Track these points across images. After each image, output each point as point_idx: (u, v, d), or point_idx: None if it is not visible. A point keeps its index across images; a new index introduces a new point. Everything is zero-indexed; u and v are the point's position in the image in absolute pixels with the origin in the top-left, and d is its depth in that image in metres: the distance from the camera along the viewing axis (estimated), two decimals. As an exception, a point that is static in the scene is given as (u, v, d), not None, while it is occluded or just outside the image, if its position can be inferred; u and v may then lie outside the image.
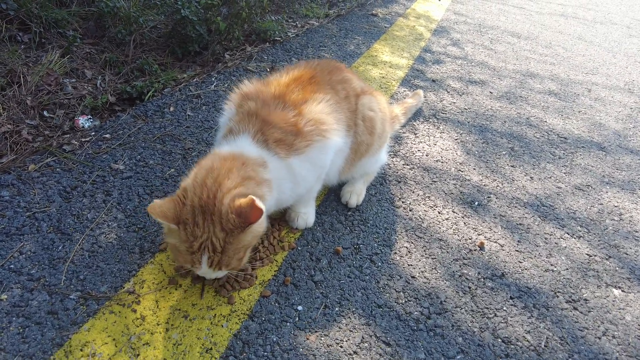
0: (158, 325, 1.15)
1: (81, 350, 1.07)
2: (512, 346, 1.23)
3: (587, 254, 1.59)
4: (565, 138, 2.38)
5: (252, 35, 3.08)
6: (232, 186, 1.09)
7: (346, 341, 1.18)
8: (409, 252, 1.50)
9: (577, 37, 4.46)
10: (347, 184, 1.69)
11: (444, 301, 1.34)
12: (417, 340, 1.21)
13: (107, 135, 1.85)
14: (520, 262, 1.51)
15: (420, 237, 1.56)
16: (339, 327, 1.21)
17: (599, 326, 1.32)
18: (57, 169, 1.63)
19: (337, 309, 1.27)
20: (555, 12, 5.54)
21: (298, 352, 1.14)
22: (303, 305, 1.26)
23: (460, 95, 2.72)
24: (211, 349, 1.11)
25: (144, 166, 1.71)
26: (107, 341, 1.09)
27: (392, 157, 1.99)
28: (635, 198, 1.94)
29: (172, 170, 1.71)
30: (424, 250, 1.51)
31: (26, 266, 1.26)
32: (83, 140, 1.81)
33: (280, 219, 1.54)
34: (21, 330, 1.10)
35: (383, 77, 2.76)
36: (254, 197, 1.03)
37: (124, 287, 1.24)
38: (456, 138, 2.23)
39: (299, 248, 1.45)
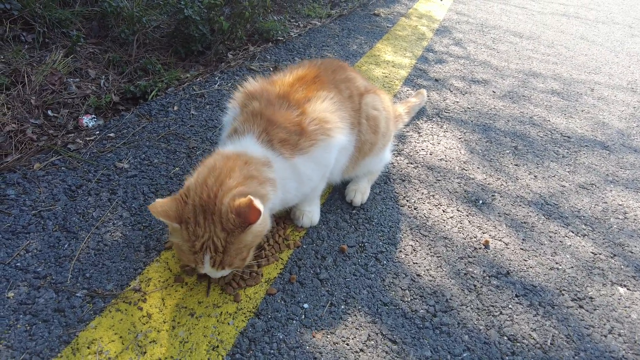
0: (164, 322, 1.15)
1: (88, 347, 1.07)
2: (518, 344, 1.23)
3: (592, 252, 1.59)
4: (568, 137, 2.38)
5: (254, 35, 3.08)
6: (233, 185, 1.09)
7: (352, 339, 1.18)
8: (414, 250, 1.50)
9: (580, 36, 4.46)
10: (351, 182, 1.69)
11: (450, 299, 1.33)
12: (423, 338, 1.21)
13: (112, 134, 1.85)
14: (525, 261, 1.51)
15: (425, 236, 1.56)
16: (345, 325, 1.21)
17: (604, 324, 1.32)
18: (62, 168, 1.63)
19: (342, 306, 1.27)
20: (557, 11, 5.54)
21: (304, 349, 1.14)
22: (309, 303, 1.26)
23: (464, 94, 2.72)
24: (218, 346, 1.11)
25: (148, 165, 1.71)
26: (113, 339, 1.10)
27: (396, 156, 1.99)
28: (639, 197, 1.93)
29: (177, 169, 1.72)
30: (429, 249, 1.51)
31: (32, 264, 1.26)
32: (87, 139, 1.81)
33: (286, 217, 1.54)
34: (28, 327, 1.10)
35: (386, 77, 2.76)
36: (252, 197, 1.02)
37: (130, 285, 1.24)
38: (460, 137, 2.23)
39: (304, 246, 1.45)
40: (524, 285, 1.42)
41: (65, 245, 1.33)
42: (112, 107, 2.11)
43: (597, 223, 1.74)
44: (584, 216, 1.77)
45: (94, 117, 1.97)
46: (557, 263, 1.52)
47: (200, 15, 2.52)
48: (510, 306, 1.34)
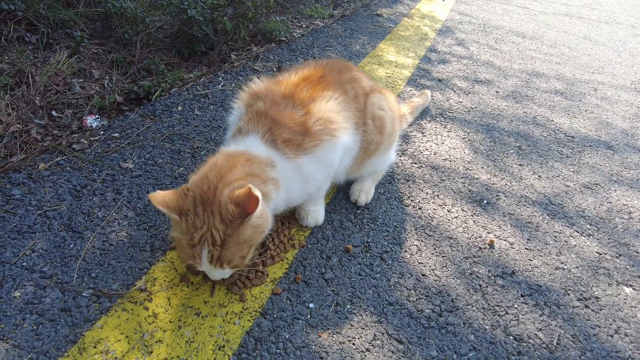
0: (170, 322, 1.15)
1: (94, 347, 1.07)
2: (524, 344, 1.22)
3: (597, 252, 1.58)
4: (572, 137, 2.38)
5: (257, 36, 3.08)
6: (234, 179, 1.09)
7: (358, 339, 1.18)
8: (419, 250, 1.49)
9: (582, 36, 4.45)
10: (356, 182, 1.69)
11: (455, 299, 1.33)
12: (429, 337, 1.21)
13: (116, 135, 1.86)
14: (530, 260, 1.51)
15: (430, 236, 1.56)
16: (351, 325, 1.21)
17: (610, 324, 1.32)
18: (67, 168, 1.63)
19: (348, 306, 1.27)
20: (559, 11, 5.53)
21: (310, 349, 1.13)
22: (314, 302, 1.26)
23: (467, 94, 2.72)
24: (224, 346, 1.11)
25: (153, 165, 1.71)
26: (120, 338, 1.10)
27: (400, 156, 1.99)
28: (644, 196, 1.93)
29: (181, 168, 1.72)
30: (434, 249, 1.51)
31: (38, 264, 1.26)
32: (92, 139, 1.81)
33: (290, 217, 1.54)
34: (35, 327, 1.10)
35: (389, 77, 2.76)
36: (250, 185, 1.02)
37: (135, 285, 1.24)
38: (463, 137, 2.23)
39: (309, 246, 1.45)
40: (529, 285, 1.41)
41: (71, 245, 1.33)
42: (116, 108, 2.12)
43: (602, 223, 1.74)
44: (588, 216, 1.77)
45: (98, 118, 1.97)
46: (562, 263, 1.52)
47: (203, 15, 2.52)
48: (515, 306, 1.34)
